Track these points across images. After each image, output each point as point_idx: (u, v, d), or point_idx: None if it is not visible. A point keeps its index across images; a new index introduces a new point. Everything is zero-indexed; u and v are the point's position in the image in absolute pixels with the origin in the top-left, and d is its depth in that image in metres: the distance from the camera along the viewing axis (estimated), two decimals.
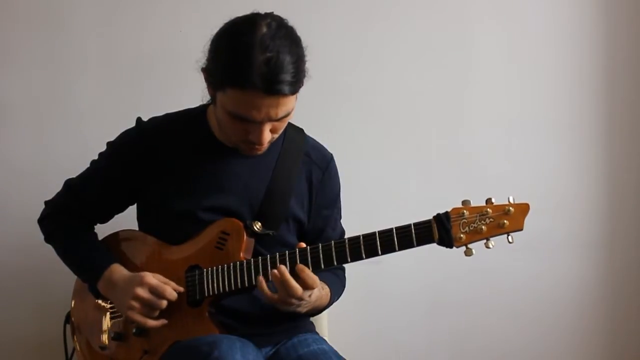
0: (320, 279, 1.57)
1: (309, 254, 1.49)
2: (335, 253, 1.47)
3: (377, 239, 1.44)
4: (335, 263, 1.47)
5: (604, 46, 2.28)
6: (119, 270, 1.63)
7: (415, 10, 2.26)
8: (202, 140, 1.64)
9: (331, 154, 1.76)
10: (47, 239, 1.76)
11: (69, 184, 1.75)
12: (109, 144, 1.72)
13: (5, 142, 2.23)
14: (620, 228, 2.31)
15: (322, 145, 1.76)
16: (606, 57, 2.28)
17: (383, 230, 1.44)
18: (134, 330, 1.60)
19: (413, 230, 1.42)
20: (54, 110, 2.23)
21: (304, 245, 1.51)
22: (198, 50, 1.51)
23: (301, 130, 1.73)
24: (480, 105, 2.28)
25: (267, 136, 1.50)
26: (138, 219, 1.74)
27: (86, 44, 2.22)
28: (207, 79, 1.52)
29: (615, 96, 2.29)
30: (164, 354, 1.55)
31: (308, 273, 1.46)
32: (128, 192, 1.69)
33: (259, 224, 1.60)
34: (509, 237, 1.39)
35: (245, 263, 1.53)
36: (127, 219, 1.77)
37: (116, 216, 1.78)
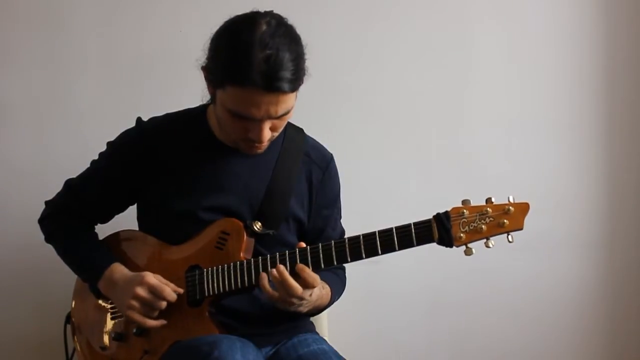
0: (321, 279, 1.57)
1: (309, 253, 1.49)
2: (335, 253, 1.47)
3: (377, 239, 1.44)
4: (335, 263, 1.48)
5: (604, 46, 2.28)
6: (119, 270, 1.63)
7: (415, 10, 2.26)
8: (202, 140, 1.64)
9: (331, 154, 1.76)
10: (48, 239, 1.76)
11: (69, 184, 1.75)
12: (109, 144, 1.72)
13: (5, 142, 2.23)
14: (620, 228, 2.31)
15: (322, 145, 1.76)
16: (606, 57, 2.28)
17: (383, 229, 1.44)
18: (134, 330, 1.60)
19: (413, 230, 1.42)
20: (54, 110, 2.23)
21: (303, 245, 1.51)
22: (198, 50, 1.52)
23: (301, 130, 1.73)
24: (480, 105, 2.28)
25: (267, 134, 1.50)
26: (138, 219, 1.74)
27: (86, 44, 2.22)
28: (207, 77, 1.52)
29: (615, 96, 2.29)
30: (164, 354, 1.55)
31: (308, 272, 1.47)
32: (128, 192, 1.69)
33: (259, 223, 1.60)
34: (509, 237, 1.39)
35: (245, 263, 1.53)
36: (127, 219, 1.77)
37: (116, 216, 1.78)
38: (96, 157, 1.73)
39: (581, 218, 2.31)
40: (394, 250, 1.44)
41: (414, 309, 2.30)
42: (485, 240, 1.39)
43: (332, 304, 1.68)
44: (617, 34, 2.28)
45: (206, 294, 1.55)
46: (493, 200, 1.40)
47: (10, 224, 2.21)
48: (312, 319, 1.77)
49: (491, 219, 1.38)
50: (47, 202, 1.78)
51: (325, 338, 1.80)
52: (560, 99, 2.29)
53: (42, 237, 1.76)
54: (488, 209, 1.39)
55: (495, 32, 2.28)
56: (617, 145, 2.30)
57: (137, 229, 1.74)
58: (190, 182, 1.62)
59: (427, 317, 2.31)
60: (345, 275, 1.79)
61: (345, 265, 1.59)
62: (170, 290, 1.55)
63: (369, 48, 2.26)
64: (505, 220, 1.37)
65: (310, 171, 1.70)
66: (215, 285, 1.55)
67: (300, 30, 1.50)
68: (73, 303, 1.78)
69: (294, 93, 1.47)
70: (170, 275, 1.59)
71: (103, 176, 1.70)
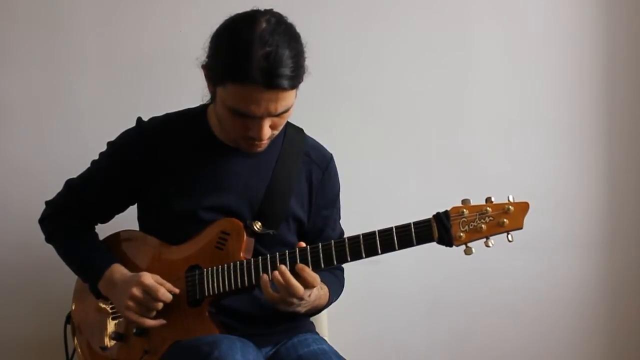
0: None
1: (308, 253, 1.49)
2: (335, 252, 1.47)
3: (377, 238, 1.44)
4: (335, 262, 1.48)
5: (604, 46, 2.28)
6: (119, 270, 1.63)
7: (415, 10, 2.26)
8: (203, 140, 1.64)
9: (331, 154, 1.76)
10: (48, 239, 1.76)
11: (69, 184, 1.75)
12: (109, 143, 1.72)
13: (5, 142, 2.23)
14: (620, 228, 2.31)
15: (322, 145, 1.76)
16: (606, 57, 2.28)
17: (383, 229, 1.44)
18: (134, 330, 1.60)
19: (413, 229, 1.42)
20: (54, 110, 2.23)
21: (303, 244, 1.51)
22: (198, 50, 1.52)
23: (301, 130, 1.73)
24: (480, 105, 2.28)
25: (267, 132, 1.50)
26: (138, 219, 1.74)
27: (86, 44, 2.22)
28: (207, 75, 1.52)
29: (615, 96, 2.29)
30: (164, 354, 1.55)
31: (309, 272, 1.47)
32: (128, 192, 1.69)
33: (259, 223, 1.60)
34: (509, 236, 1.39)
35: (245, 263, 1.53)
36: (127, 219, 1.77)
37: (117, 216, 1.78)
38: (96, 157, 1.73)
39: (581, 218, 2.31)
40: (393, 249, 1.44)
41: (414, 308, 2.30)
42: (485, 239, 1.39)
43: (330, 304, 1.68)
44: (617, 34, 2.28)
45: (206, 293, 1.55)
46: (493, 199, 1.40)
47: (11, 223, 2.21)
48: (312, 319, 1.77)
49: (491, 218, 1.38)
50: (47, 202, 1.78)
51: (325, 338, 1.80)
52: (560, 99, 2.29)
53: (43, 236, 1.76)
54: (488, 208, 1.39)
55: (495, 32, 2.28)
56: (617, 146, 2.30)
57: (137, 229, 1.74)
58: (191, 182, 1.62)
59: (427, 317, 2.31)
60: (343, 276, 1.79)
61: (345, 265, 1.59)
62: (164, 291, 1.55)
63: (369, 48, 2.26)
64: (505, 220, 1.38)
65: (310, 171, 1.70)
66: (215, 285, 1.55)
67: (300, 30, 1.50)
68: (73, 303, 1.78)
69: (294, 90, 1.47)
70: (170, 275, 1.59)
71: (103, 176, 1.70)
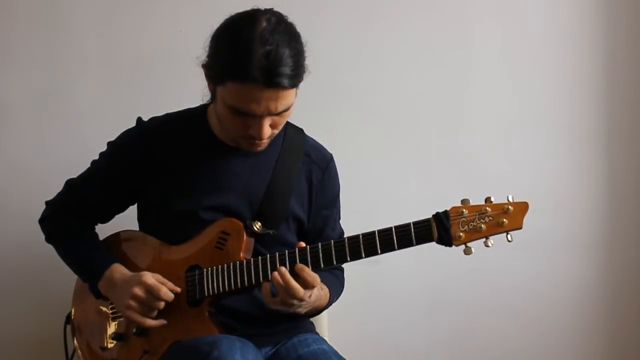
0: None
1: (308, 253, 1.49)
2: (334, 252, 1.47)
3: (377, 238, 1.44)
4: (335, 262, 1.48)
5: (604, 46, 2.28)
6: (119, 270, 1.63)
7: (415, 10, 2.26)
8: (203, 140, 1.64)
9: (331, 154, 1.76)
10: (48, 239, 1.76)
11: (69, 184, 1.76)
12: (109, 143, 1.72)
13: (5, 142, 2.23)
14: (620, 228, 2.31)
15: (322, 145, 1.76)
16: (606, 57, 2.28)
17: (382, 229, 1.44)
18: (134, 330, 1.61)
19: (412, 229, 1.42)
20: (54, 110, 2.23)
21: (303, 244, 1.51)
22: (198, 50, 1.52)
23: (301, 130, 1.73)
24: (480, 105, 2.28)
25: (267, 131, 1.50)
26: (138, 219, 1.74)
27: (86, 44, 2.23)
28: (207, 75, 1.52)
29: (615, 96, 2.29)
30: (164, 354, 1.56)
31: (308, 272, 1.46)
32: (128, 192, 1.69)
33: (259, 224, 1.60)
34: (508, 236, 1.39)
35: (245, 263, 1.53)
36: (127, 219, 1.77)
37: (117, 216, 1.78)
38: (96, 157, 1.73)
39: (581, 218, 2.31)
40: (393, 249, 1.44)
41: (414, 308, 2.30)
42: (484, 239, 1.40)
43: (330, 305, 1.68)
44: (617, 34, 2.28)
45: (206, 293, 1.55)
46: (492, 199, 1.40)
47: (11, 223, 2.21)
48: (312, 319, 1.77)
49: (490, 218, 1.38)
50: (47, 202, 1.78)
51: (325, 338, 1.80)
52: (560, 99, 2.29)
53: (43, 236, 1.76)
54: (487, 208, 1.39)
55: (495, 32, 2.27)
56: (617, 146, 2.30)
57: (137, 229, 1.74)
58: (191, 182, 1.62)
59: (427, 317, 2.31)
60: (343, 276, 1.79)
61: (345, 265, 1.59)
62: (166, 290, 1.55)
63: (369, 48, 2.26)
64: (504, 220, 1.38)
65: (310, 171, 1.70)
66: (215, 285, 1.55)
67: (300, 29, 1.50)
68: (73, 304, 1.78)
69: (294, 89, 1.48)
70: (170, 276, 1.59)
71: (103, 176, 1.70)
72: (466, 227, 1.39)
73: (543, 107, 2.29)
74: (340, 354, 1.63)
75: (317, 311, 1.65)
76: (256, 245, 1.60)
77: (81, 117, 2.23)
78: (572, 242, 2.30)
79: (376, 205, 2.25)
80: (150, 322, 1.56)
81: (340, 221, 1.80)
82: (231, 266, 1.54)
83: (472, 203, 1.41)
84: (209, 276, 1.56)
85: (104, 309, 1.69)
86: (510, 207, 1.38)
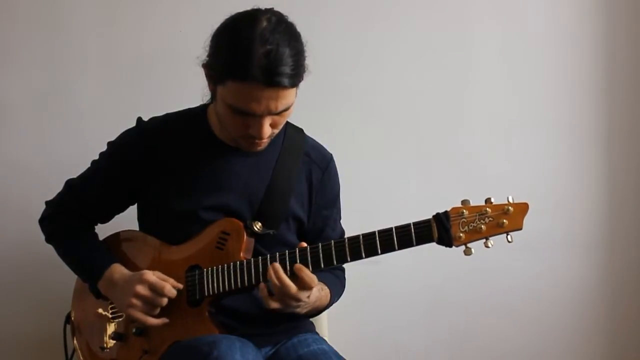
0: (320, 280, 1.58)
1: (308, 253, 1.49)
2: (335, 252, 1.47)
3: (377, 238, 1.44)
4: (335, 262, 1.48)
5: (603, 46, 2.28)
6: (119, 270, 1.63)
7: (416, 10, 2.26)
8: (203, 140, 1.64)
9: (331, 154, 1.76)
10: (48, 239, 1.76)
11: (69, 184, 1.76)
12: (109, 143, 1.72)
13: (5, 142, 2.23)
14: (620, 228, 2.31)
15: (322, 145, 1.76)
16: (606, 57, 2.28)
17: (383, 229, 1.45)
18: (133, 330, 1.61)
19: (412, 230, 1.42)
20: (54, 110, 2.23)
21: (305, 245, 1.51)
22: (198, 50, 1.52)
23: (301, 130, 1.73)
24: (480, 105, 2.28)
25: (267, 130, 1.50)
26: (139, 219, 1.74)
27: (86, 44, 2.22)
28: (207, 74, 1.52)
29: (615, 96, 2.29)
30: (163, 354, 1.55)
31: (306, 272, 1.46)
32: (128, 192, 1.70)
33: (259, 224, 1.60)
34: (508, 237, 1.39)
35: (245, 263, 1.53)
36: (127, 219, 1.77)
37: (117, 216, 1.78)
38: (96, 157, 1.73)
39: (581, 218, 2.31)
40: (393, 250, 1.44)
41: (414, 309, 2.30)
42: (484, 240, 1.40)
43: (331, 305, 1.68)
44: (617, 34, 2.28)
45: (206, 293, 1.56)
46: (492, 200, 1.40)
47: (11, 223, 2.21)
48: (312, 319, 1.77)
49: (490, 219, 1.39)
50: (47, 202, 1.78)
51: (325, 338, 1.80)
52: (560, 99, 2.29)
53: (43, 236, 1.76)
54: (487, 209, 1.39)
55: (495, 32, 2.27)
56: (617, 146, 2.30)
57: (137, 229, 1.74)
58: (191, 182, 1.62)
59: (427, 317, 2.31)
60: (344, 277, 1.79)
61: (345, 265, 1.60)
62: (170, 287, 1.55)
63: (369, 48, 2.26)
64: (504, 220, 1.38)
65: (310, 171, 1.70)
66: (215, 285, 1.55)
67: (300, 29, 1.50)
68: (73, 303, 1.78)
69: (294, 89, 1.48)
70: (170, 276, 1.58)
71: (103, 176, 1.70)
72: (466, 227, 1.39)
73: (543, 107, 2.29)
74: (340, 354, 1.63)
75: (318, 311, 1.65)
76: (256, 245, 1.60)
77: (81, 117, 2.23)
78: (572, 242, 2.30)
79: (376, 205, 2.25)
80: (153, 321, 1.56)
81: (341, 221, 1.80)
82: (231, 266, 1.54)
83: (472, 204, 1.41)
84: (209, 276, 1.56)
85: (104, 308, 1.69)
86: (510, 207, 1.38)
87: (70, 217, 1.73)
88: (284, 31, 1.45)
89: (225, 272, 1.54)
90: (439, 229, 1.40)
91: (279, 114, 1.49)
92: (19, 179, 2.22)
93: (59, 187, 1.77)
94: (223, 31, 1.49)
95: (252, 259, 1.54)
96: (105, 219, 1.78)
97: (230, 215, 1.60)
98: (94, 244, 1.73)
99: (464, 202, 1.42)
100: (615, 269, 2.32)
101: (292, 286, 1.45)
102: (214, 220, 1.60)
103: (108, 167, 1.70)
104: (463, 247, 1.41)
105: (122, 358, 1.65)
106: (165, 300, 1.55)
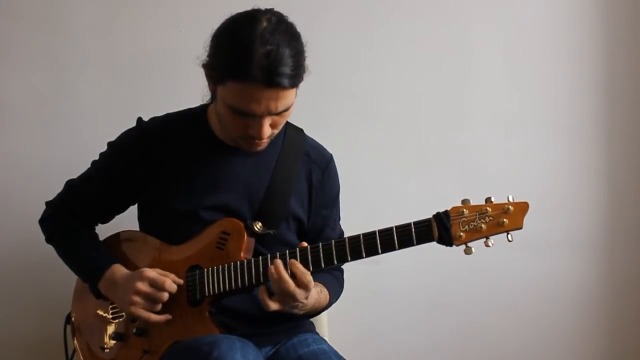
0: (319, 281, 1.59)
1: (309, 253, 1.49)
2: (335, 252, 1.47)
3: (377, 238, 1.44)
4: (336, 262, 1.48)
5: (603, 46, 2.28)
6: (119, 270, 1.63)
7: (416, 10, 2.26)
8: (203, 140, 1.65)
9: (331, 154, 1.76)
10: (48, 240, 1.76)
11: (69, 184, 1.76)
12: (109, 144, 1.72)
13: (5, 142, 2.23)
14: (620, 228, 2.31)
15: (322, 146, 1.76)
16: (606, 57, 2.28)
17: (383, 229, 1.45)
18: (134, 330, 1.61)
19: (413, 229, 1.42)
20: (54, 110, 2.23)
21: (305, 244, 1.51)
22: (198, 50, 1.52)
23: (301, 130, 1.73)
24: (480, 105, 2.28)
25: (267, 130, 1.50)
26: (139, 219, 1.74)
27: (86, 44, 2.22)
28: (207, 74, 1.52)
29: (615, 96, 2.29)
30: (164, 354, 1.56)
31: (298, 266, 1.46)
32: (128, 192, 1.69)
33: (260, 224, 1.60)
34: (509, 236, 1.40)
35: (245, 263, 1.53)
36: (128, 219, 1.77)
37: (117, 216, 1.78)
38: (96, 157, 1.73)
39: (581, 218, 2.31)
40: (394, 249, 1.44)
41: (414, 308, 2.30)
42: (484, 239, 1.40)
43: (330, 306, 1.68)
44: (617, 34, 2.28)
45: (206, 293, 1.56)
46: (493, 199, 1.40)
47: (11, 223, 2.21)
48: (312, 319, 1.77)
49: (491, 218, 1.39)
50: (47, 203, 1.78)
51: (325, 338, 1.80)
52: (560, 98, 2.29)
53: (43, 236, 1.76)
54: (488, 208, 1.39)
55: (495, 32, 2.27)
56: (617, 145, 2.30)
57: (137, 229, 1.74)
58: (191, 182, 1.62)
59: (427, 317, 2.31)
60: (343, 277, 1.79)
61: (346, 264, 1.60)
62: (170, 282, 1.56)
63: (369, 48, 2.26)
64: (504, 220, 1.38)
65: (310, 171, 1.70)
66: (216, 285, 1.55)
67: (300, 29, 1.50)
68: (73, 304, 1.78)
69: (294, 89, 1.48)
70: None
71: (103, 176, 1.70)
72: (467, 227, 1.40)
73: (543, 107, 2.29)
74: (340, 354, 1.63)
75: (316, 312, 1.66)
76: (256, 245, 1.60)
77: (81, 117, 2.23)
78: (572, 242, 2.30)
79: (376, 205, 2.25)
80: (155, 318, 1.56)
81: (341, 221, 1.80)
82: (232, 266, 1.54)
83: (472, 203, 1.41)
84: (210, 276, 1.56)
85: (104, 309, 1.69)
86: (510, 207, 1.38)
87: (70, 218, 1.73)
88: (284, 31, 1.45)
89: (226, 272, 1.54)
90: (440, 228, 1.41)
91: (279, 114, 1.49)
92: (19, 179, 2.22)
93: (59, 187, 1.77)
94: (223, 31, 1.49)
95: (252, 258, 1.54)
96: (106, 219, 1.78)
97: (230, 215, 1.61)
98: (94, 244, 1.73)
99: (464, 202, 1.42)
100: (615, 268, 2.32)
101: (290, 282, 1.45)
102: (214, 220, 1.60)
103: (108, 167, 1.70)
104: (463, 247, 1.41)
105: (122, 358, 1.65)
106: (166, 295, 1.55)
